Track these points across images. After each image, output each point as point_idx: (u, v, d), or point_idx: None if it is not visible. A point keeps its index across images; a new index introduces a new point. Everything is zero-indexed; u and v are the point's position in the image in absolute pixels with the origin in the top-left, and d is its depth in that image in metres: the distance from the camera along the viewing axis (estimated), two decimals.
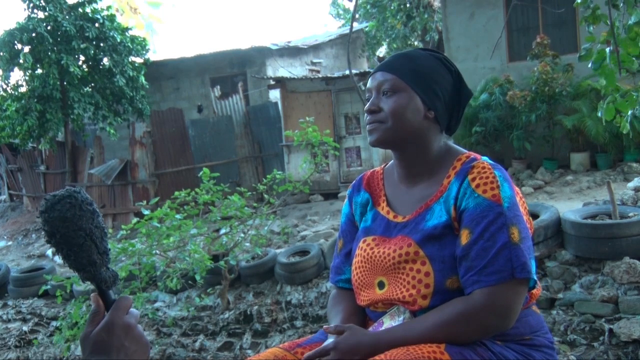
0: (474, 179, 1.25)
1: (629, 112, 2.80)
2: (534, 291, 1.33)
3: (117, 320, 0.86)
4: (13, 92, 10.88)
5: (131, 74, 10.80)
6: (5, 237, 11.89)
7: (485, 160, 1.31)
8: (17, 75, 12.31)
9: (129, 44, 10.84)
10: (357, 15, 14.94)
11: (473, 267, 1.19)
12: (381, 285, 1.33)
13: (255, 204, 7.57)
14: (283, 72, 11.61)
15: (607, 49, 2.83)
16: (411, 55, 1.38)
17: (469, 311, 1.18)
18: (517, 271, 1.17)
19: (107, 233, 0.92)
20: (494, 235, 1.19)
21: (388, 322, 1.29)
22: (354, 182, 1.55)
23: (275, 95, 10.94)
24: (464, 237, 1.22)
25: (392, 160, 1.47)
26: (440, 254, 1.25)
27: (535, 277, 1.22)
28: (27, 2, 10.37)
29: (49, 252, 9.52)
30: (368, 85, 1.41)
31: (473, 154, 1.35)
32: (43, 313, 7.22)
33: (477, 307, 1.17)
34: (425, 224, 1.29)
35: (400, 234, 1.33)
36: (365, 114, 1.39)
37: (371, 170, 1.55)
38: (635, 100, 2.77)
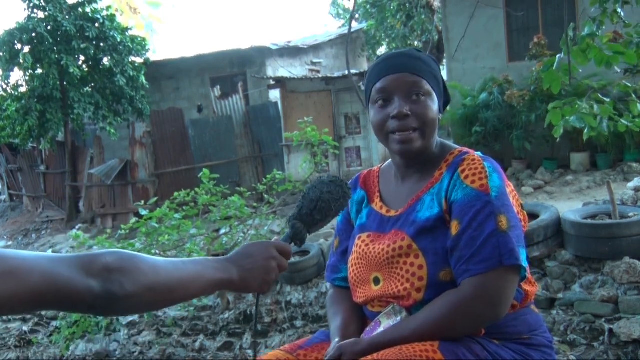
0: (463, 171, 1.26)
1: (566, 118, 2.84)
2: (530, 289, 1.34)
3: (273, 252, 1.10)
4: (13, 92, 10.89)
5: (131, 73, 10.80)
6: (5, 237, 11.90)
7: (477, 154, 1.31)
8: (17, 75, 12.32)
9: (129, 44, 10.84)
10: (357, 15, 14.96)
11: (462, 256, 1.19)
12: (376, 281, 1.33)
13: (255, 204, 7.57)
14: (283, 72, 11.61)
15: (557, 56, 2.95)
16: (421, 58, 1.35)
17: (459, 301, 1.17)
18: (505, 258, 1.16)
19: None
20: (481, 224, 1.19)
21: (385, 322, 1.29)
22: (350, 181, 1.55)
23: (275, 95, 10.94)
24: (454, 228, 1.23)
25: (390, 160, 1.47)
26: (433, 247, 1.25)
27: (526, 265, 1.21)
28: (27, 2, 10.37)
29: (49, 252, 9.52)
30: (383, 85, 1.32)
31: (465, 149, 1.36)
32: (43, 313, 7.22)
33: (467, 297, 1.17)
34: (416, 216, 1.30)
35: (394, 229, 1.34)
36: (390, 119, 1.30)
37: (368, 169, 1.56)
38: (577, 109, 2.81)
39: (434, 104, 1.32)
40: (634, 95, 3.27)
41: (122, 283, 0.85)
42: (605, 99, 3.00)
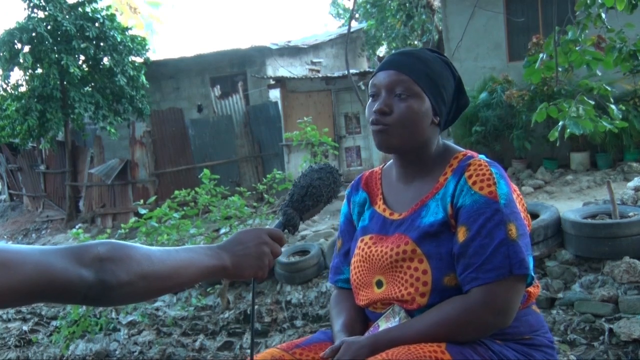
0: (470, 176, 1.25)
1: (560, 123, 2.89)
2: (532, 290, 1.33)
3: (265, 238, 1.12)
4: (13, 91, 10.88)
5: (131, 73, 10.80)
6: (5, 237, 11.90)
7: (482, 158, 1.31)
8: (17, 75, 12.32)
9: (129, 44, 10.84)
10: (356, 15, 14.95)
11: (471, 264, 1.19)
12: (379, 284, 1.33)
13: (255, 204, 7.58)
14: (283, 72, 11.61)
15: (541, 55, 3.11)
16: (423, 57, 1.33)
17: (468, 309, 1.18)
18: (515, 268, 1.17)
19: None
20: (491, 232, 1.19)
21: (384, 325, 1.29)
22: (352, 182, 1.55)
23: (275, 95, 10.94)
24: (461, 235, 1.22)
25: (391, 160, 1.47)
26: (438, 252, 1.24)
27: (533, 274, 1.22)
28: (27, 1, 10.36)
29: None
30: (374, 81, 1.34)
31: (470, 152, 1.35)
32: (43, 312, 7.23)
33: (476, 305, 1.17)
34: (421, 221, 1.29)
35: (397, 232, 1.33)
36: (373, 113, 1.32)
37: (370, 170, 1.55)
38: (567, 111, 2.85)
39: (421, 106, 1.29)
40: (612, 100, 3.34)
41: (115, 272, 0.85)
42: (590, 101, 3.04)
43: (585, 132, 2.83)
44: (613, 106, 3.14)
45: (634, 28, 3.16)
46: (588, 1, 3.00)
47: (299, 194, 1.24)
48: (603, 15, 3.08)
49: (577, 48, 2.97)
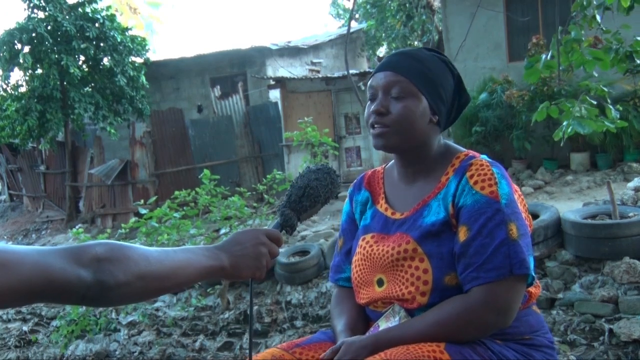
0: (472, 176, 1.26)
1: (564, 123, 2.90)
2: (533, 290, 1.33)
3: (263, 239, 1.13)
4: (13, 92, 10.88)
5: (131, 73, 10.80)
6: (5, 237, 11.90)
7: (483, 158, 1.31)
8: (17, 75, 12.30)
9: (129, 44, 10.84)
10: (357, 15, 14.96)
11: (471, 263, 1.19)
12: (380, 282, 1.33)
13: (255, 204, 7.58)
14: (283, 72, 11.61)
15: (543, 56, 3.12)
16: (420, 56, 1.35)
17: (468, 309, 1.18)
18: (515, 267, 1.17)
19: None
20: (492, 231, 1.19)
21: (384, 324, 1.29)
22: (355, 181, 1.56)
23: (275, 95, 10.94)
24: (462, 234, 1.22)
25: (393, 160, 1.47)
26: (439, 251, 1.25)
27: (534, 274, 1.22)
28: (27, 2, 10.37)
29: None
30: (372, 82, 1.36)
31: (471, 152, 1.36)
32: (43, 313, 7.23)
33: (476, 305, 1.17)
34: (423, 221, 1.30)
35: (399, 231, 1.33)
36: (371, 114, 1.34)
37: (372, 169, 1.56)
38: (569, 111, 2.85)
39: (418, 105, 1.30)
40: (609, 101, 3.36)
41: (112, 272, 0.86)
42: (592, 101, 3.05)
43: (589, 131, 2.83)
44: (610, 106, 3.15)
45: (631, 29, 3.17)
46: (584, 2, 3.01)
47: (296, 194, 1.25)
48: (598, 18, 3.10)
49: (579, 48, 2.98)
